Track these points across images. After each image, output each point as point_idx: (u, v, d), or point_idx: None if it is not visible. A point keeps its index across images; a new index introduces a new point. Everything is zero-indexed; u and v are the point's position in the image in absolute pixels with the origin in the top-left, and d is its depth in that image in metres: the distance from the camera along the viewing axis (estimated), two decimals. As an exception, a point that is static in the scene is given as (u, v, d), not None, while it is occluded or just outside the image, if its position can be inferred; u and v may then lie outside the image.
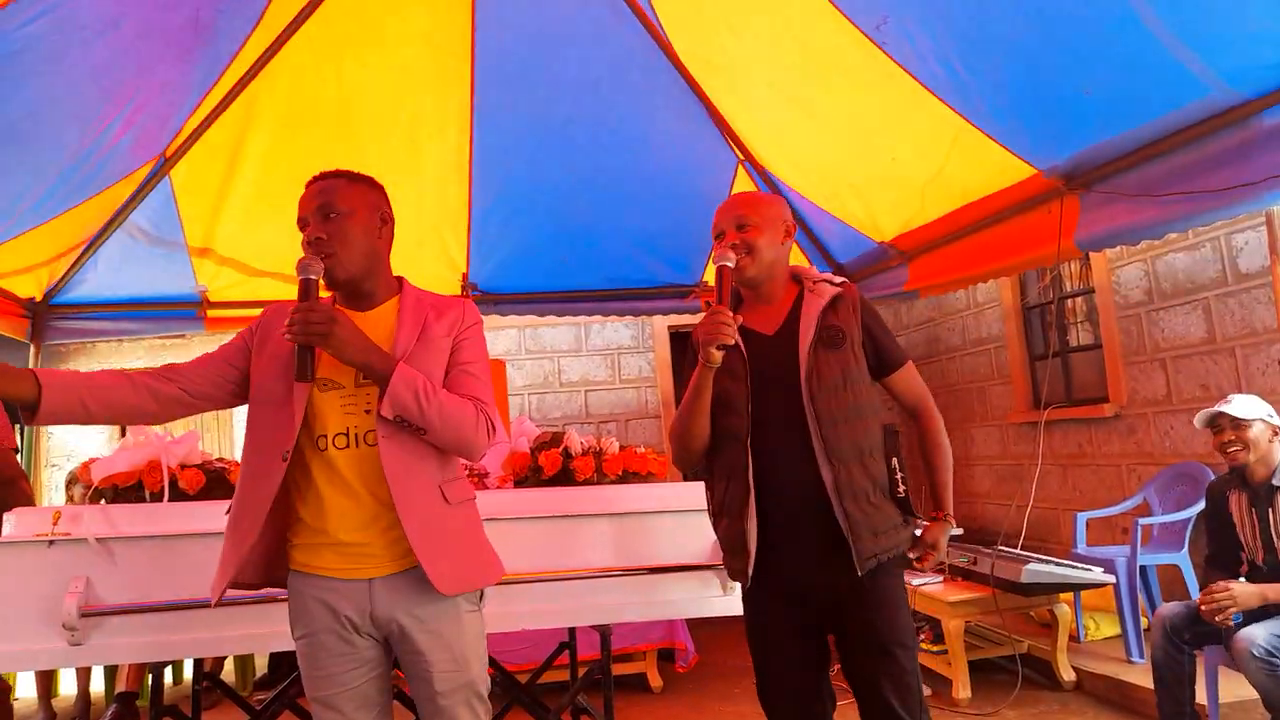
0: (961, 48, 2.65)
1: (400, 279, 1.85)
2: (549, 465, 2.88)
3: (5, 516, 2.42)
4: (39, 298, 3.92)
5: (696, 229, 4.24)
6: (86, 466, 2.61)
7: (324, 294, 1.75)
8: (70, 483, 2.68)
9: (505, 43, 3.42)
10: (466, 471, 2.78)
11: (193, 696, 2.93)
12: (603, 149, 3.89)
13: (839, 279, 2.02)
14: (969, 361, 6.30)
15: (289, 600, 1.74)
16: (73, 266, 3.86)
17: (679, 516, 2.62)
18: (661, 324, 7.07)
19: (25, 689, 4.59)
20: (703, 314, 1.88)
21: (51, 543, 2.21)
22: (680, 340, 7.02)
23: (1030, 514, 5.23)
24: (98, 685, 4.55)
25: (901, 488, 1.91)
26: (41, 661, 2.22)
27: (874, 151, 3.43)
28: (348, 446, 1.68)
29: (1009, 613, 3.90)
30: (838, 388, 1.86)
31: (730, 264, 1.87)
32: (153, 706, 2.50)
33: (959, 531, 3.82)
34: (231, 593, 1.74)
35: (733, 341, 1.79)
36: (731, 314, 1.80)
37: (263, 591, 1.82)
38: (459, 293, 4.40)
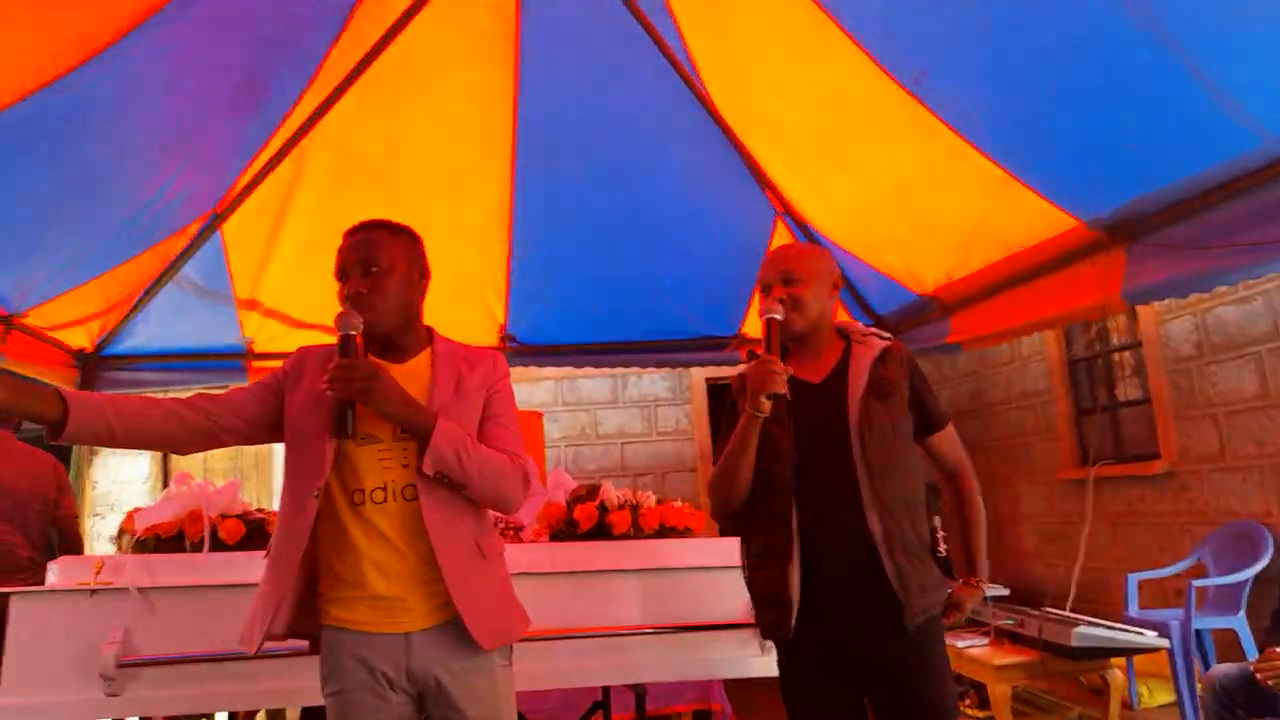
0: (1000, 99, 2.65)
1: (430, 329, 1.86)
2: (585, 519, 2.85)
3: (50, 565, 2.44)
4: (90, 349, 4.01)
5: (735, 280, 4.25)
6: (131, 516, 2.64)
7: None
8: (120, 533, 2.71)
9: (548, 96, 3.49)
10: (502, 525, 2.77)
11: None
12: (642, 201, 3.93)
13: (886, 334, 2.01)
14: (1013, 416, 6.18)
15: (321, 655, 1.73)
16: (124, 318, 3.95)
17: (717, 573, 2.57)
18: (699, 376, 7.05)
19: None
20: (741, 365, 1.88)
21: (93, 592, 2.23)
22: (718, 392, 6.98)
23: (1079, 574, 5.06)
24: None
25: (943, 547, 1.87)
26: (77, 713, 2.22)
27: (914, 203, 3.42)
28: (385, 501, 1.68)
29: (1058, 678, 3.75)
30: (888, 439, 1.84)
31: (777, 317, 1.87)
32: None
33: (1004, 592, 3.70)
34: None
35: (783, 390, 1.77)
36: (781, 363, 1.79)
37: (294, 644, 1.81)
38: (497, 344, 4.43)
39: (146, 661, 2.20)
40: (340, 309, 1.70)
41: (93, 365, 4.06)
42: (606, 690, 3.25)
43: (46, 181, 2.72)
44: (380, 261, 1.73)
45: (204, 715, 3.11)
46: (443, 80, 3.45)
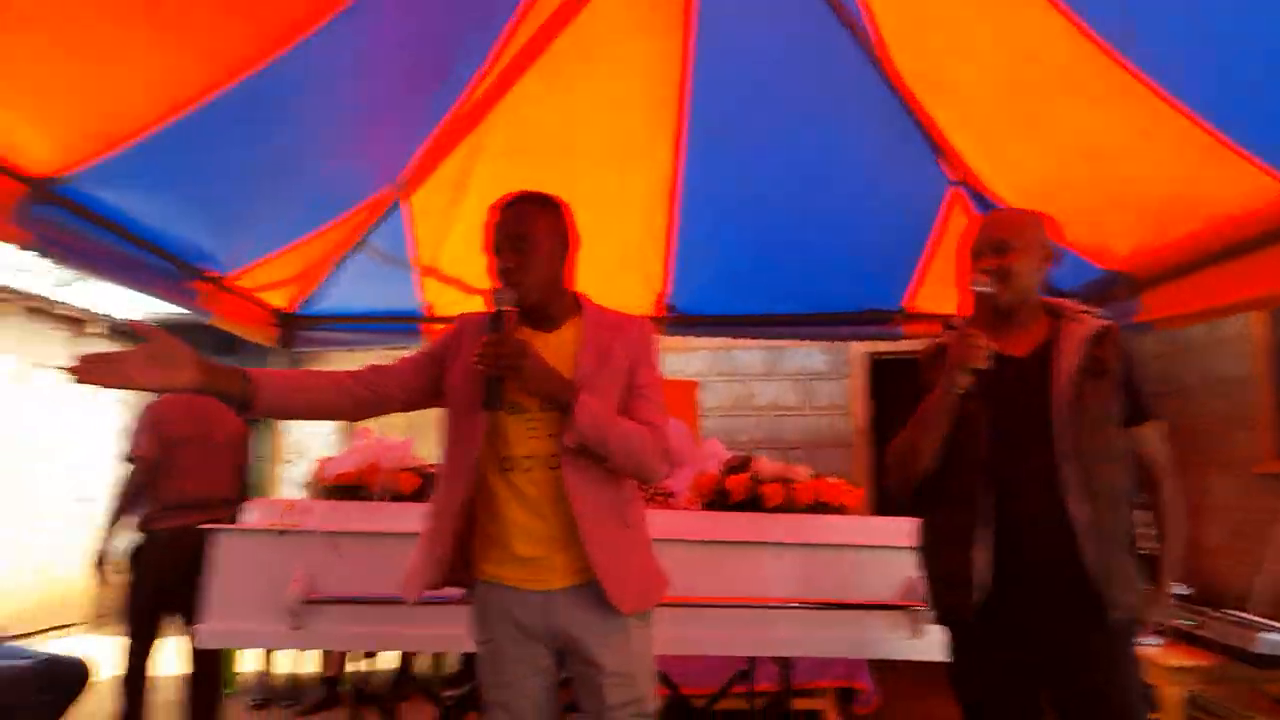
0: (1214, 56, 2.39)
1: (579, 296, 1.90)
2: (737, 490, 2.86)
3: (245, 505, 2.71)
4: (288, 309, 4.38)
5: (902, 253, 4.10)
6: (322, 465, 2.88)
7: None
8: (310, 481, 2.97)
9: (719, 65, 3.44)
10: (651, 491, 2.82)
11: (392, 687, 3.15)
12: (809, 169, 3.84)
13: (1103, 313, 1.89)
14: (1207, 403, 5.64)
15: (473, 606, 1.84)
16: (318, 282, 4.28)
17: (871, 552, 2.52)
18: (859, 350, 6.86)
19: (247, 664, 5.07)
20: (908, 341, 1.82)
21: (282, 533, 2.45)
22: (884, 368, 6.76)
23: (1269, 577, 4.59)
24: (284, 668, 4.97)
25: (1144, 546, 1.74)
26: (265, 641, 2.45)
27: (1107, 170, 3.16)
28: (532, 469, 1.76)
29: (1239, 685, 3.44)
30: (1101, 422, 1.72)
31: (985, 290, 1.78)
32: (356, 692, 2.70)
33: (1185, 590, 3.41)
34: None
35: (985, 366, 1.70)
36: (985, 337, 1.72)
37: (453, 593, 1.92)
38: (656, 313, 4.49)
39: (327, 600, 2.40)
40: (491, 281, 1.77)
41: (290, 324, 4.43)
42: (752, 660, 3.27)
43: (251, 157, 2.97)
44: (528, 236, 1.79)
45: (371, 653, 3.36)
46: (614, 51, 3.48)
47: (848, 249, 4.19)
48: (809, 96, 3.55)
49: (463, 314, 1.94)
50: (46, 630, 5.51)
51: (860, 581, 2.49)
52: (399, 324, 4.52)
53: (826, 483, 2.94)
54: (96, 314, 7.48)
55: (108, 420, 3.74)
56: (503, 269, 1.78)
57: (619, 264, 4.19)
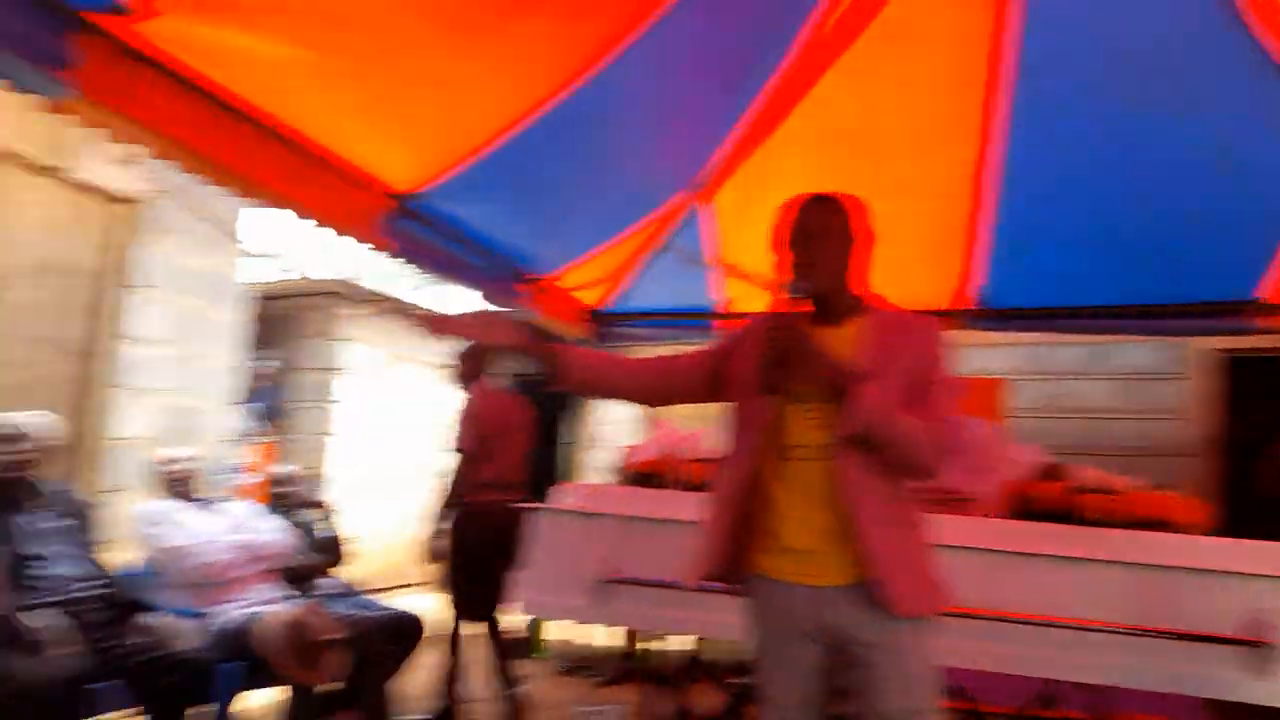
0: None
1: (869, 295, 1.89)
2: (1049, 498, 2.66)
3: (556, 488, 2.99)
4: (598, 306, 4.73)
5: (1257, 235, 3.55)
6: (627, 453, 3.11)
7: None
8: (616, 468, 3.22)
9: (1050, 34, 3.14)
10: (942, 494, 2.70)
11: (684, 669, 3.29)
12: (1150, 144, 3.39)
13: None
14: None
15: (749, 600, 1.88)
16: (625, 280, 4.58)
17: (1208, 577, 2.23)
18: (1203, 346, 5.97)
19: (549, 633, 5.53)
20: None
21: (588, 515, 2.67)
22: (1243, 366, 5.83)
23: None
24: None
25: None
26: (568, 615, 2.68)
27: None
28: (808, 459, 1.77)
29: None
30: None
31: None
32: (649, 671, 2.87)
33: None
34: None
35: None
36: None
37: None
38: (960, 307, 4.26)
39: (624, 580, 2.58)
40: (779, 278, 1.82)
41: (601, 320, 4.78)
42: (1056, 684, 3.01)
43: (568, 168, 3.25)
44: (816, 233, 1.82)
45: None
46: (919, 31, 3.33)
47: (1191, 233, 3.69)
48: (1159, 63, 3.14)
49: (754, 315, 2.01)
50: (391, 588, 6.40)
51: (1195, 609, 2.19)
52: (693, 320, 4.70)
53: (1158, 496, 2.63)
54: (444, 313, 8.63)
55: (446, 408, 4.34)
56: (789, 264, 1.83)
57: (918, 257, 4.03)
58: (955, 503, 2.81)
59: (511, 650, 4.03)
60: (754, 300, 4.52)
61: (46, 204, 4.64)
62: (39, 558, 2.81)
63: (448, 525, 4.02)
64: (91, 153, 4.61)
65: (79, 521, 3.08)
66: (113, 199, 4.92)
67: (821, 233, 1.82)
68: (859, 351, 1.78)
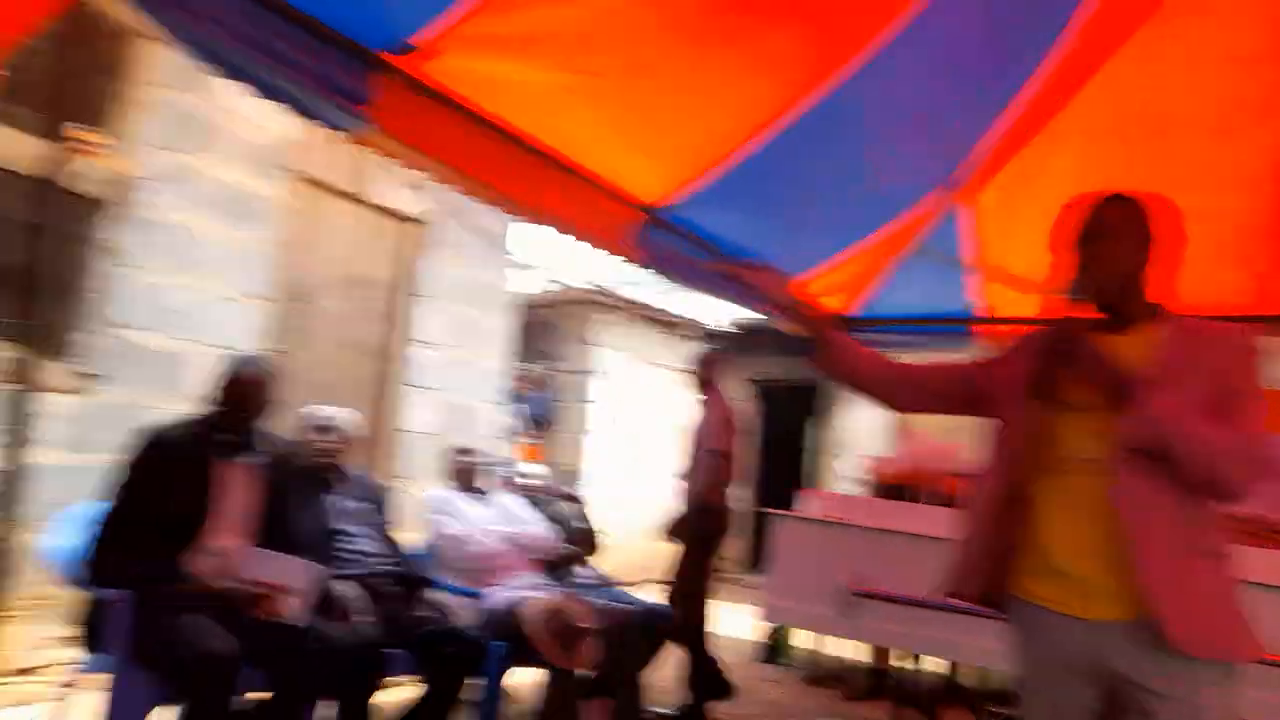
0: None
1: (1165, 304, 1.72)
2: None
3: (800, 495, 2.96)
4: (844, 311, 4.62)
5: None
6: (876, 463, 3.02)
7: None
8: (866, 478, 3.14)
9: None
10: (1254, 525, 2.36)
11: (937, 691, 3.13)
12: None
13: None
14: None
15: (1012, 626, 1.74)
16: (872, 284, 4.44)
17: None
18: None
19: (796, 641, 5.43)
20: None
21: (830, 524, 2.63)
22: None
23: None
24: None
25: None
26: (814, 624, 2.65)
27: None
28: (1084, 473, 1.61)
29: None
30: None
31: None
32: (900, 689, 2.76)
33: None
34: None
35: None
36: None
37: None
38: (1267, 310, 3.71)
39: (872, 595, 2.51)
40: (1059, 279, 1.70)
41: (849, 326, 4.65)
42: None
43: (818, 169, 3.21)
44: (1106, 233, 1.67)
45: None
46: (1213, 2, 2.95)
47: None
48: None
49: (1030, 331, 1.87)
50: (636, 582, 6.63)
51: None
52: (949, 325, 4.46)
53: None
54: (687, 319, 8.84)
55: (685, 411, 4.43)
56: (1072, 264, 1.70)
57: (1218, 250, 3.55)
58: (1269, 534, 2.45)
59: (710, 661, 4.07)
60: (1018, 305, 4.22)
61: (351, 225, 5.33)
62: (345, 533, 3.23)
63: (687, 521, 4.14)
64: (386, 179, 5.23)
65: (376, 504, 3.50)
66: (404, 219, 5.57)
67: (1112, 233, 1.67)
68: (1151, 359, 1.62)
